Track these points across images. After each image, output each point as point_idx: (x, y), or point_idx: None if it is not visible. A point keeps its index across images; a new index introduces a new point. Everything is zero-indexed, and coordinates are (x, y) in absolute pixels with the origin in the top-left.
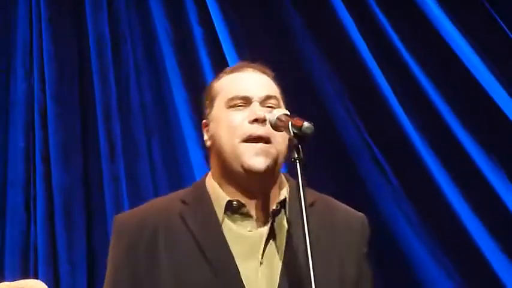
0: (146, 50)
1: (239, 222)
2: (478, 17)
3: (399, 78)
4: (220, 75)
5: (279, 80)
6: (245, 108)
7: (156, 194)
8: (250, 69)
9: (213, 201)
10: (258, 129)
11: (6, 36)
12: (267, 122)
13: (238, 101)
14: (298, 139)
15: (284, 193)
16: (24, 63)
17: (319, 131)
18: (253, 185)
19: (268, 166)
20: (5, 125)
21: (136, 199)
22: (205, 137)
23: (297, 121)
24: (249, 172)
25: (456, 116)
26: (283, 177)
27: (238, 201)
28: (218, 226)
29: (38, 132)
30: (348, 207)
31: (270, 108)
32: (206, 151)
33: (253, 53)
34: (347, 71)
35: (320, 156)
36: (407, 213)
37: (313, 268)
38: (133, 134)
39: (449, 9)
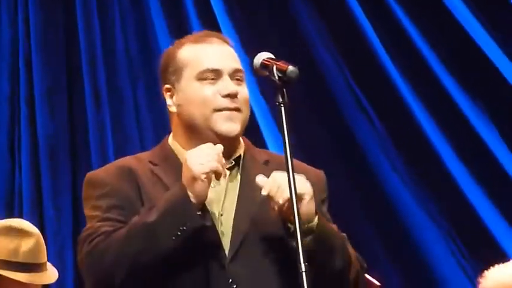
0: None
1: None
2: None
3: (385, 23)
4: (183, 42)
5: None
6: (216, 81)
7: (141, 140)
8: (215, 40)
9: (179, 159)
10: (231, 104)
11: None
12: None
13: (210, 74)
14: (283, 83)
15: (239, 151)
16: (9, 10)
17: (305, 77)
18: (223, 144)
19: (238, 132)
20: None
21: (122, 144)
22: (169, 103)
23: (282, 65)
24: (221, 137)
25: (442, 62)
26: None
27: None
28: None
29: (23, 79)
30: (306, 165)
31: (237, 81)
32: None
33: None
34: (333, 17)
35: (305, 102)
36: (392, 159)
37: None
38: (118, 81)
39: None
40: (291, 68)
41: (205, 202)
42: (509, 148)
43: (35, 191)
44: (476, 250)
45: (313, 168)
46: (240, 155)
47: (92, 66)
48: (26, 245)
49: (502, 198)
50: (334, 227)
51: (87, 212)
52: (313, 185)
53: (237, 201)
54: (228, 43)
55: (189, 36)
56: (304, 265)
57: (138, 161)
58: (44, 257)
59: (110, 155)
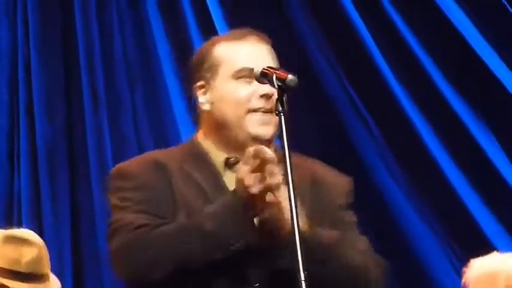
0: (130, 1)
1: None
2: None
3: (382, 29)
4: (219, 39)
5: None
6: (252, 80)
7: (139, 145)
8: (254, 38)
9: (210, 156)
10: (266, 104)
11: None
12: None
13: (246, 73)
14: (282, 92)
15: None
16: (8, 15)
17: (302, 82)
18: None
19: (271, 134)
20: None
21: (119, 147)
22: (201, 100)
23: (281, 74)
24: (256, 140)
25: (438, 68)
26: None
27: (236, 157)
28: (220, 178)
29: (21, 85)
30: (334, 171)
31: None
32: (196, 112)
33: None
34: (329, 21)
35: (301, 106)
36: (389, 163)
37: (296, 220)
38: (116, 85)
39: None
40: (290, 76)
41: None
42: (507, 155)
43: (34, 197)
44: (474, 257)
45: (340, 174)
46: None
47: (90, 70)
48: (29, 254)
49: (500, 206)
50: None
51: (115, 202)
52: (337, 191)
53: None
54: (265, 41)
55: (225, 33)
56: (304, 274)
57: (167, 156)
58: (46, 268)
59: (107, 159)
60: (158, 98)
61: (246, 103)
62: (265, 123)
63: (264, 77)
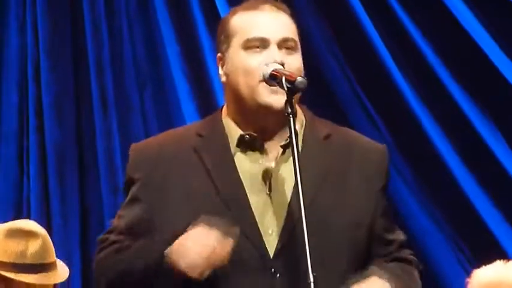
0: (139, 2)
1: (251, 155)
2: None
3: (391, 31)
4: (236, 10)
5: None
6: (262, 50)
7: None
8: (267, 7)
9: (227, 134)
10: None
11: None
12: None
13: (256, 43)
14: (292, 93)
15: (297, 125)
16: (18, 17)
17: (311, 84)
18: (269, 121)
19: (282, 104)
20: None
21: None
22: (220, 72)
23: (291, 76)
24: (267, 109)
25: (449, 71)
26: (299, 110)
27: (250, 134)
28: (231, 160)
29: (31, 87)
30: (368, 139)
31: (288, 50)
32: (223, 85)
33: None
34: (338, 23)
35: (311, 109)
36: (399, 167)
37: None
38: (125, 88)
39: None
40: (299, 78)
41: (246, 186)
42: None
43: (43, 199)
44: (483, 258)
45: (375, 143)
46: (296, 131)
47: (100, 72)
48: (33, 246)
49: (508, 204)
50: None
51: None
52: (373, 167)
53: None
54: (282, 10)
55: (244, 2)
56: (313, 275)
57: (182, 138)
58: (52, 256)
59: (117, 162)
60: (167, 100)
61: (256, 74)
62: (274, 92)
63: (273, 79)
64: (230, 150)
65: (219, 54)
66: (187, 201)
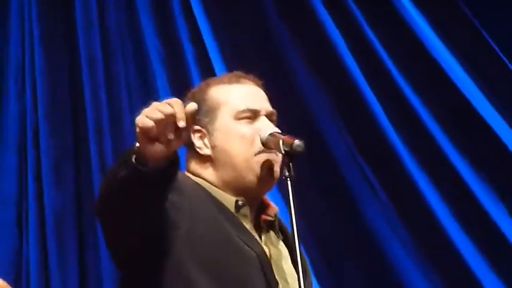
0: (138, 69)
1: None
2: (461, 26)
3: (389, 96)
4: (212, 83)
5: (269, 94)
6: (253, 121)
7: None
8: (249, 82)
9: (219, 199)
10: None
11: None
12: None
13: (248, 114)
14: (289, 157)
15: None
16: (17, 82)
17: (309, 146)
18: (262, 192)
19: (276, 177)
20: None
21: None
22: (199, 145)
23: (288, 139)
24: (264, 182)
25: (446, 134)
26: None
27: (243, 200)
28: (235, 217)
29: (30, 151)
30: None
31: (273, 123)
32: (189, 156)
33: (243, 71)
34: (336, 87)
35: (309, 171)
36: (397, 229)
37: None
38: (124, 148)
39: (433, 20)
40: (297, 142)
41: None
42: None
43: (42, 264)
44: None
45: None
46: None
47: (99, 135)
48: None
49: (503, 266)
50: None
51: None
52: None
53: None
54: (260, 87)
55: (217, 77)
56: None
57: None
58: None
59: None
60: None
61: (252, 142)
62: (270, 165)
63: (270, 141)
64: (230, 210)
65: (195, 127)
66: (211, 229)
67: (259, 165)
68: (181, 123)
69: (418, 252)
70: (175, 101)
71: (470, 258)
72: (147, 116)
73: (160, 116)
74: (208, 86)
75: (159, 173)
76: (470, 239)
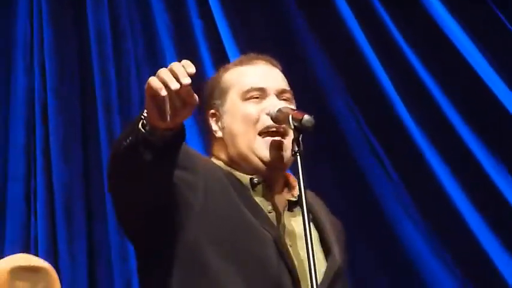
0: (147, 44)
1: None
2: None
3: (400, 73)
4: (228, 66)
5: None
6: (261, 100)
7: None
8: (262, 62)
9: (237, 178)
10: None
11: (7, 31)
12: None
13: (255, 93)
14: (299, 132)
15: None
16: (25, 58)
17: (319, 124)
18: (272, 172)
19: (284, 159)
20: (6, 120)
21: None
22: (214, 128)
23: (298, 114)
24: (270, 163)
25: (458, 112)
26: None
27: (258, 178)
28: (251, 198)
29: (38, 127)
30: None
31: (285, 102)
32: (211, 140)
33: (253, 48)
34: (346, 64)
35: (319, 149)
36: (408, 208)
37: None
38: None
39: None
40: (306, 117)
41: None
42: None
43: (50, 239)
44: None
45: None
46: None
47: (107, 112)
48: (41, 281)
49: None
50: None
51: None
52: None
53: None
54: (276, 66)
55: (235, 60)
56: None
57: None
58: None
59: None
60: None
61: (256, 121)
62: (276, 148)
63: (280, 116)
64: (248, 187)
65: (211, 111)
66: (225, 208)
67: (265, 146)
68: (185, 80)
69: (429, 231)
70: (177, 63)
71: (483, 237)
72: (158, 77)
73: (168, 75)
74: (223, 69)
75: (165, 143)
76: (483, 218)
